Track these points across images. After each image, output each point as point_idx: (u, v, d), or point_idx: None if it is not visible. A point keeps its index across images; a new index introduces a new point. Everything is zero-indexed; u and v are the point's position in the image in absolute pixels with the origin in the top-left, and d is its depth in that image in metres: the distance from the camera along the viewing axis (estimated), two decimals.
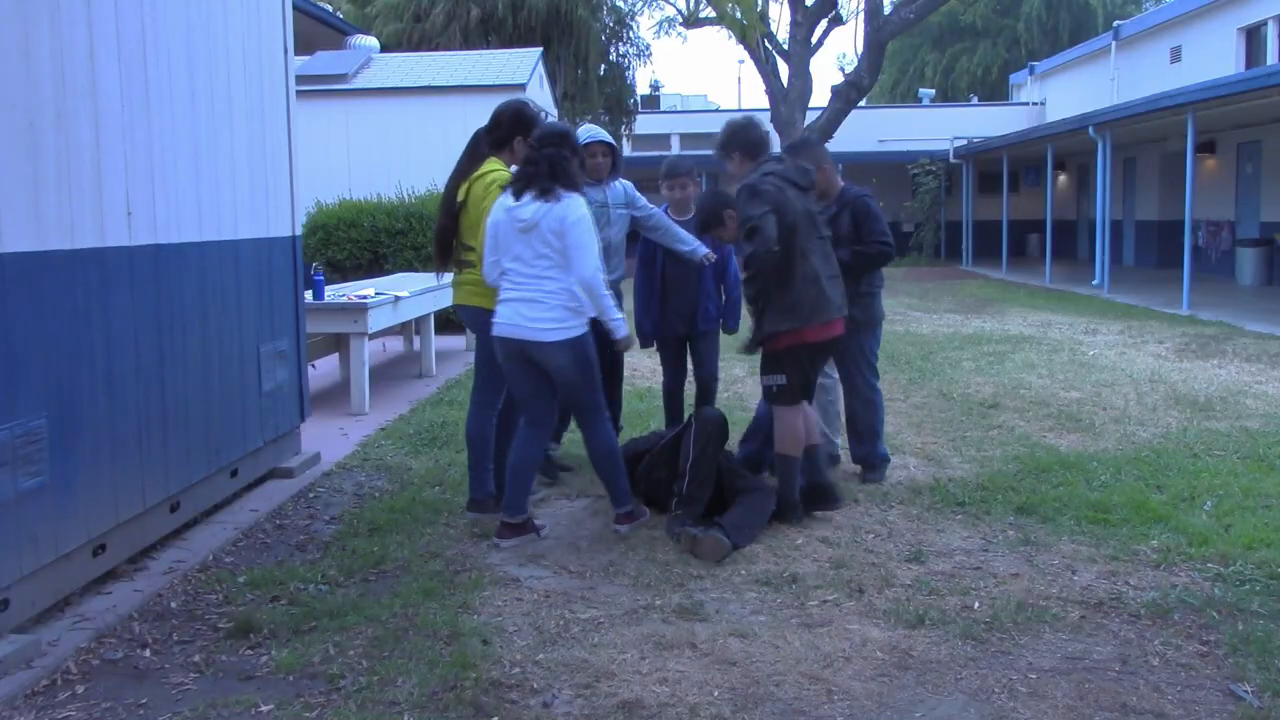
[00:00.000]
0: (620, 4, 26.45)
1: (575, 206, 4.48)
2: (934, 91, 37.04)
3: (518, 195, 4.53)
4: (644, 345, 6.10)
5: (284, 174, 5.78)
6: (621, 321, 4.64)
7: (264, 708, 3.10)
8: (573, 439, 6.58)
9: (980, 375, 8.96)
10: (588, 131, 5.96)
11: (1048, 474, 5.64)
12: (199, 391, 4.78)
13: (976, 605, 3.87)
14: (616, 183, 5.99)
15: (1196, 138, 14.73)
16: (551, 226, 4.42)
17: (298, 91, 6.04)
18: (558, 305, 4.46)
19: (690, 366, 6.11)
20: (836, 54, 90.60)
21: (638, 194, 6.08)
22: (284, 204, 5.79)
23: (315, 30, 15.61)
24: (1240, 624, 3.66)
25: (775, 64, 23.62)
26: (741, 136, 5.00)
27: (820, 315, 4.74)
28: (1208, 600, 3.88)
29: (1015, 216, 24.64)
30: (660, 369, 6.22)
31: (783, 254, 4.62)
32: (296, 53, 6.10)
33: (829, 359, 5.23)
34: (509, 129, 4.97)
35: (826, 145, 6.83)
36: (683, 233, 5.97)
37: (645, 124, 27.73)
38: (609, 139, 5.97)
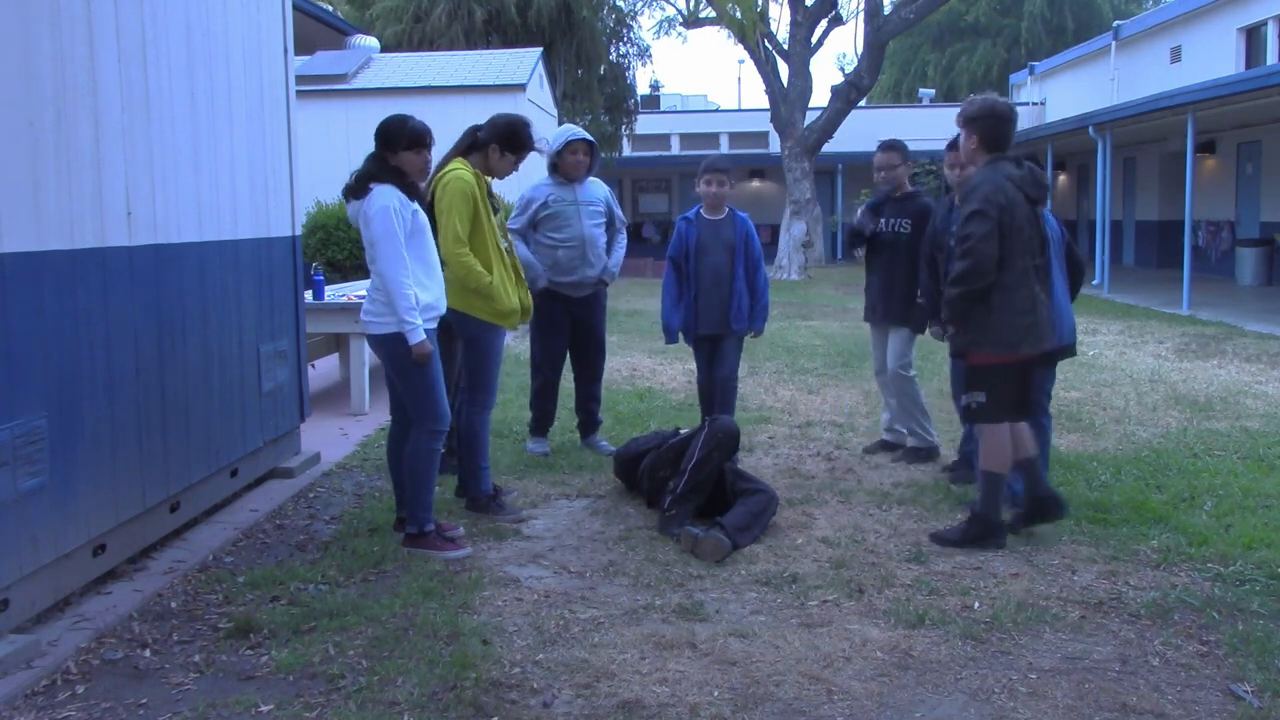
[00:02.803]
0: (621, 4, 26.45)
1: (376, 197, 4.33)
2: (934, 91, 37.02)
3: (345, 199, 4.54)
4: (669, 341, 6.25)
5: (284, 174, 5.77)
6: (415, 328, 4.29)
7: (264, 708, 3.10)
8: (571, 439, 6.58)
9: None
10: (569, 130, 6.11)
11: (1048, 474, 5.63)
12: (199, 391, 4.78)
13: (976, 605, 3.87)
14: (591, 182, 6.14)
15: (1196, 138, 14.73)
16: (361, 220, 4.40)
17: (298, 91, 6.03)
18: (377, 299, 4.42)
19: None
20: (836, 54, 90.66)
21: (618, 205, 6.33)
22: (284, 204, 5.78)
23: (315, 30, 15.59)
24: (1240, 624, 3.67)
25: (775, 64, 23.63)
26: (991, 123, 4.51)
27: (1031, 344, 4.46)
28: (1208, 600, 3.88)
29: None
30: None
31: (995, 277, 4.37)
32: (296, 53, 6.10)
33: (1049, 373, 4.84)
34: (490, 134, 4.96)
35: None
36: (611, 262, 6.24)
37: (645, 124, 27.73)
38: (589, 137, 6.12)
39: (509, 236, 5.24)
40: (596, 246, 6.07)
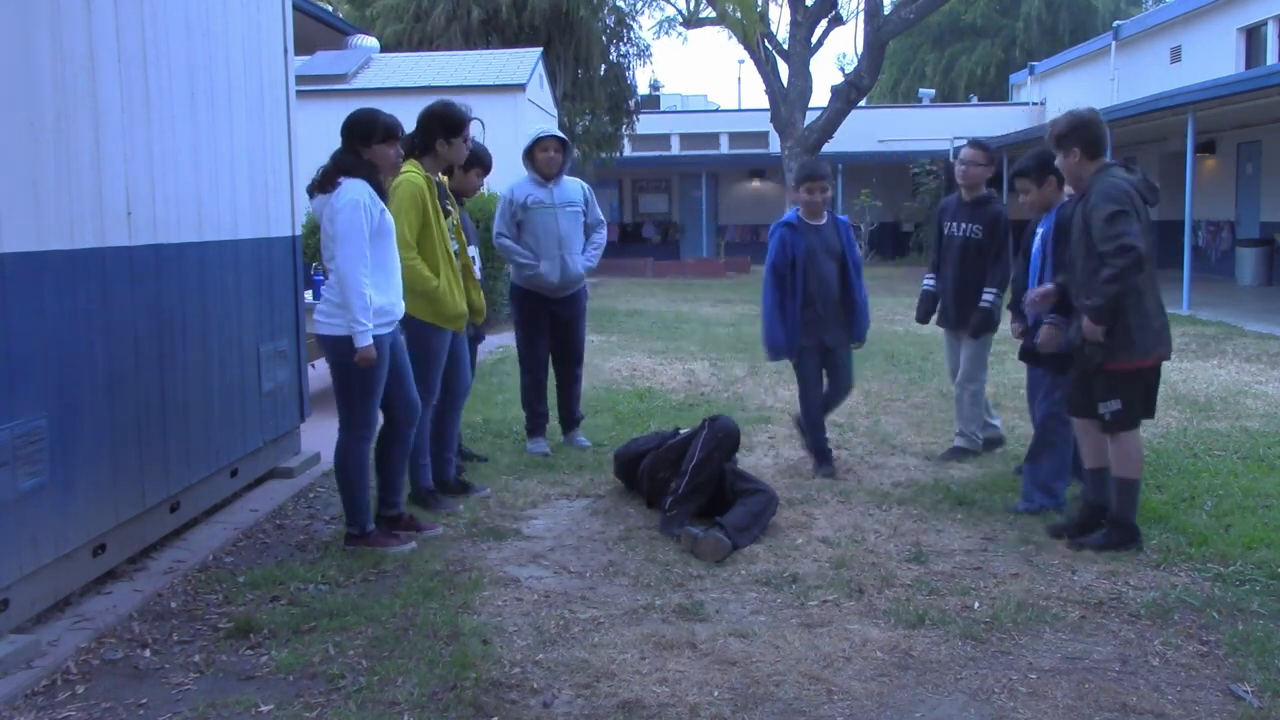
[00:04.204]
0: (620, 4, 26.44)
1: (344, 191, 4.22)
2: (934, 91, 37.00)
3: (310, 194, 4.45)
4: (775, 359, 5.88)
5: (284, 174, 5.78)
6: (365, 331, 4.21)
7: (264, 708, 3.10)
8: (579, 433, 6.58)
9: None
10: (538, 129, 6.24)
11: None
12: (199, 391, 4.78)
13: (976, 605, 3.87)
14: (568, 181, 6.24)
15: (1196, 138, 14.73)
16: (327, 215, 4.31)
17: (298, 91, 6.04)
18: (328, 299, 4.36)
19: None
20: (836, 54, 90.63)
21: (596, 204, 6.40)
22: (284, 204, 5.78)
23: (315, 30, 15.58)
24: (1240, 624, 3.67)
25: (775, 64, 23.63)
26: (1086, 132, 4.52)
27: (1163, 347, 4.48)
28: (1208, 600, 3.88)
29: (1015, 216, 24.56)
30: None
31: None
32: (296, 53, 6.10)
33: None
34: (425, 133, 4.90)
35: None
36: (587, 257, 6.22)
37: (645, 124, 27.72)
38: (560, 134, 6.23)
39: (463, 238, 5.27)
40: (574, 247, 6.15)
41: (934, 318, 6.25)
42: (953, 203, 6.15)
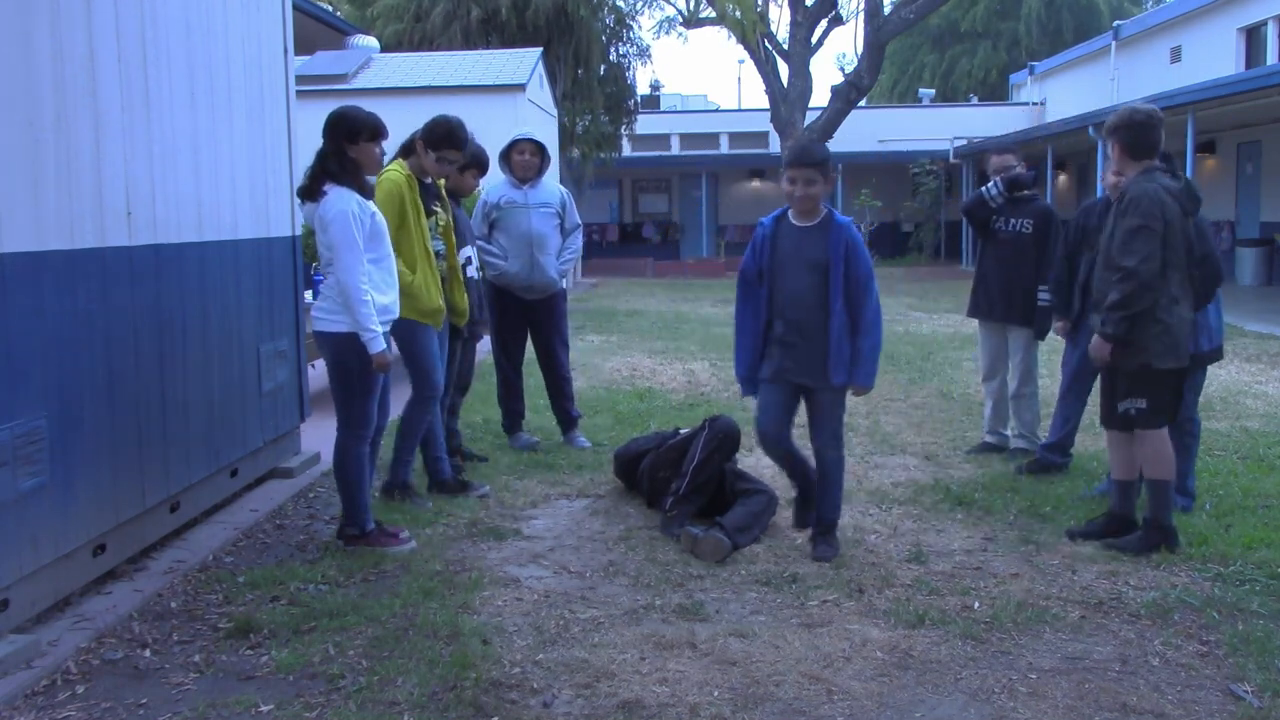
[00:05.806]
0: (620, 4, 26.43)
1: (332, 202, 4.25)
2: (934, 92, 36.99)
3: (301, 199, 4.48)
4: (743, 393, 4.72)
5: (284, 174, 5.77)
6: (376, 336, 4.26)
7: (264, 708, 3.10)
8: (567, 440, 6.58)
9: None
10: (516, 131, 6.31)
11: (1048, 473, 5.64)
12: (199, 391, 4.78)
13: (976, 605, 3.87)
14: (545, 183, 6.29)
15: (1196, 138, 14.73)
16: (318, 224, 4.34)
17: (298, 91, 6.04)
18: (330, 296, 4.37)
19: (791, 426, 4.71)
20: (836, 54, 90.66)
21: (574, 208, 6.44)
22: (284, 204, 5.78)
23: (315, 30, 15.58)
24: (1240, 624, 3.67)
25: (775, 64, 23.64)
26: (1128, 132, 4.42)
27: (1187, 351, 4.45)
28: (1208, 600, 3.89)
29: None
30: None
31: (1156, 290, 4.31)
32: (296, 53, 6.10)
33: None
34: (420, 133, 5.02)
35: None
36: (561, 261, 6.26)
37: (645, 124, 27.71)
38: (538, 138, 6.28)
39: (451, 239, 5.30)
40: (546, 248, 6.19)
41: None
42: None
